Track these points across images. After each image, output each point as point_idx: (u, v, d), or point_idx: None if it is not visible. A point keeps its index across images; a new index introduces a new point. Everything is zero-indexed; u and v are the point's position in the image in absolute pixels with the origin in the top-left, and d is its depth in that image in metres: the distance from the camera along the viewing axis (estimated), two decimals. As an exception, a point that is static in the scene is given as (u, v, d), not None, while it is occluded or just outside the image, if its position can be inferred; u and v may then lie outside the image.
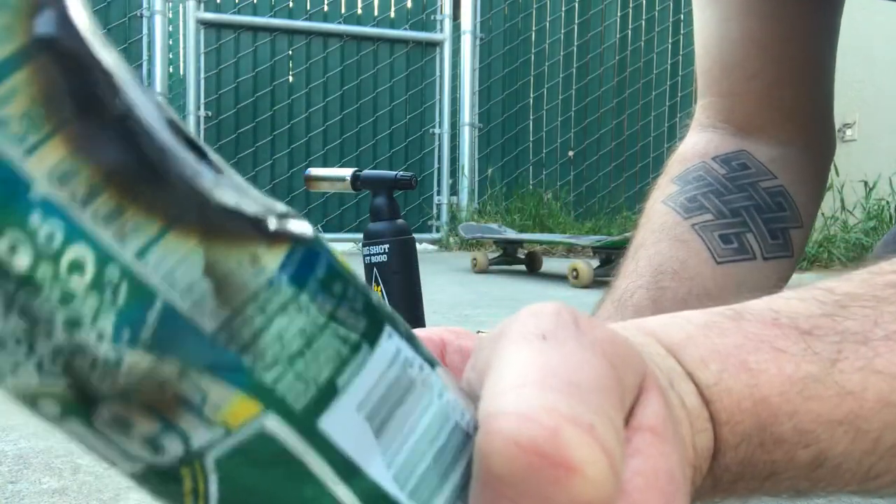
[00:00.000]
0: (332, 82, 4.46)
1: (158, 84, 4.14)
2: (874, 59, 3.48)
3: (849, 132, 3.70)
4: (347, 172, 0.78)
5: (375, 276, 0.74)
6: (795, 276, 0.58)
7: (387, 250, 0.74)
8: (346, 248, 4.35)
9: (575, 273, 2.51)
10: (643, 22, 4.97)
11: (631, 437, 0.19)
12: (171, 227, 0.14)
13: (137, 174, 0.14)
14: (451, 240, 4.38)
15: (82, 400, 0.14)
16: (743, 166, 0.60)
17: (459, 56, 4.63)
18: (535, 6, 4.78)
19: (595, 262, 2.74)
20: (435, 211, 4.64)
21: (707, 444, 0.25)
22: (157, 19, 4.12)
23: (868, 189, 3.30)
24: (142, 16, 4.12)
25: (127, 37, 4.12)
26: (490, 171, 4.68)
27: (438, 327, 0.28)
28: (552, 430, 0.16)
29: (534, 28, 4.80)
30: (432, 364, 0.18)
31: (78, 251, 0.13)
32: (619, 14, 4.91)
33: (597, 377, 0.18)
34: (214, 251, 0.14)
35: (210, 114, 4.25)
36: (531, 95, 4.82)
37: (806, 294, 0.29)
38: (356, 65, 4.50)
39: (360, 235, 0.80)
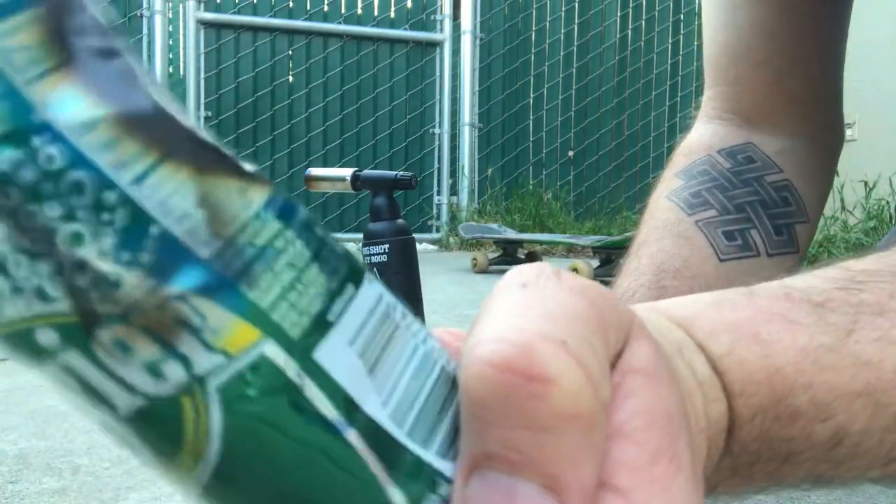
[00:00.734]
0: (332, 82, 4.46)
1: (158, 84, 4.14)
2: (874, 59, 3.47)
3: (849, 132, 3.70)
4: (347, 172, 0.78)
5: (375, 276, 0.74)
6: (796, 276, 0.57)
7: (387, 250, 0.74)
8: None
9: (575, 273, 2.51)
10: (643, 22, 4.97)
11: (623, 381, 0.19)
12: (166, 159, 0.15)
13: (133, 108, 0.15)
14: (451, 240, 4.38)
15: (83, 323, 0.14)
16: (749, 160, 0.59)
17: (459, 56, 4.63)
18: (535, 6, 4.78)
19: (595, 262, 2.74)
20: (435, 211, 4.64)
21: (721, 414, 0.24)
22: (157, 19, 4.12)
23: (868, 189, 3.30)
24: (142, 16, 4.12)
25: (127, 37, 4.11)
26: (490, 171, 4.68)
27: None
28: (524, 347, 0.16)
29: (534, 28, 4.80)
30: (408, 314, 0.18)
31: (76, 175, 0.14)
32: (619, 14, 4.91)
33: (574, 310, 0.18)
34: (206, 183, 0.15)
35: (210, 114, 4.25)
36: (531, 95, 4.82)
37: (820, 272, 0.28)
38: (356, 65, 4.50)
39: (360, 235, 0.80)
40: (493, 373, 0.16)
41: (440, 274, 2.79)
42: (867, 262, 0.29)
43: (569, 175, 4.86)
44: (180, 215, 0.15)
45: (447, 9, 4.61)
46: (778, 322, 0.26)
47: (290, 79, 4.42)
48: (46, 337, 0.15)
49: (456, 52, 4.63)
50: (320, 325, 0.16)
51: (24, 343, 0.15)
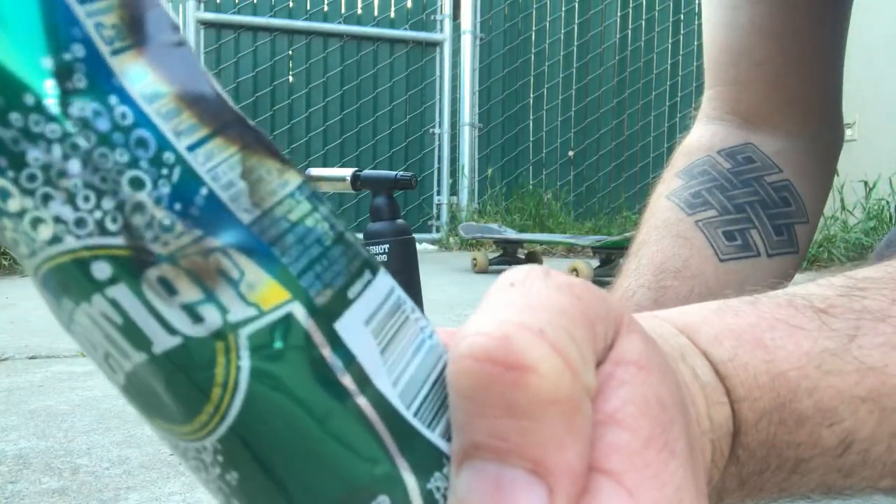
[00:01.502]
0: (332, 82, 4.46)
1: (158, 84, 4.14)
2: (874, 58, 3.47)
3: (849, 132, 3.70)
4: (347, 172, 0.78)
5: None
6: (797, 275, 0.57)
7: (387, 250, 0.74)
8: (346, 248, 4.34)
9: (575, 273, 2.51)
10: (643, 22, 4.97)
11: (615, 371, 0.19)
12: (217, 134, 0.18)
13: (193, 88, 0.18)
14: (451, 240, 4.38)
15: (134, 259, 0.16)
16: (748, 160, 0.59)
17: (459, 56, 4.63)
18: (535, 6, 4.78)
19: (595, 262, 2.73)
20: (435, 211, 4.64)
21: (725, 418, 0.24)
22: (157, 19, 4.12)
23: (868, 189, 3.31)
24: (142, 16, 4.12)
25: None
26: (490, 171, 4.69)
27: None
28: (502, 337, 0.17)
29: (534, 28, 4.80)
30: (418, 311, 0.20)
31: (142, 133, 0.16)
32: (619, 14, 4.91)
33: (556, 303, 0.18)
34: (250, 160, 0.18)
35: (210, 114, 4.25)
36: (531, 95, 4.82)
37: (823, 280, 0.28)
38: (356, 65, 4.50)
39: (360, 235, 0.80)
40: (474, 364, 0.17)
41: (440, 274, 2.79)
42: (869, 270, 0.28)
43: (569, 175, 4.86)
44: (226, 183, 0.17)
45: (447, 9, 4.61)
46: (781, 328, 0.26)
47: (290, 79, 4.42)
48: (100, 269, 0.16)
49: (456, 52, 4.63)
50: (341, 300, 0.18)
51: (79, 273, 0.16)
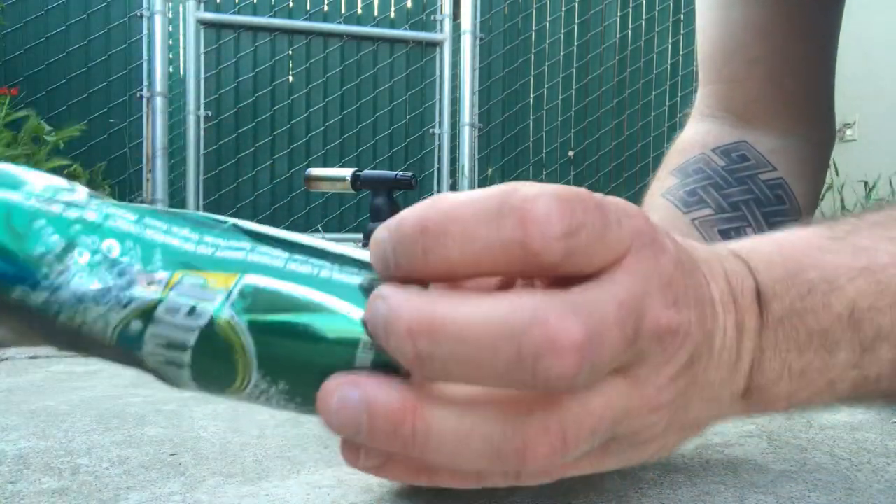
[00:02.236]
0: (332, 82, 4.46)
1: (158, 84, 4.14)
2: (874, 58, 3.47)
3: (849, 132, 3.70)
4: (347, 172, 0.78)
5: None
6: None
7: (387, 250, 0.74)
8: (346, 248, 4.34)
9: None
10: (643, 22, 4.97)
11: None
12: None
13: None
14: (451, 240, 4.37)
15: (149, 310, 0.27)
16: (743, 158, 0.59)
17: (459, 56, 4.62)
18: (535, 6, 4.78)
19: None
20: (435, 211, 4.63)
21: (750, 288, 0.30)
22: (157, 19, 4.12)
23: (868, 189, 3.30)
24: (142, 16, 4.12)
25: (127, 37, 4.12)
26: (490, 171, 4.68)
27: None
28: (403, 215, 0.25)
29: (534, 28, 4.80)
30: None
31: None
32: (619, 14, 4.91)
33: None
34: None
35: (210, 114, 4.25)
36: (531, 95, 4.82)
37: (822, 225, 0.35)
38: (356, 65, 4.50)
39: (360, 235, 0.80)
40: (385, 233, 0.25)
41: (440, 274, 2.79)
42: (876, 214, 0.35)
43: (569, 175, 4.86)
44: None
45: (447, 9, 4.61)
46: (790, 232, 0.32)
47: (290, 79, 4.42)
48: (135, 325, 0.26)
49: (456, 52, 4.63)
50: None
51: (128, 334, 0.26)
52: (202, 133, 4.24)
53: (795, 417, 0.79)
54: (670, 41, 5.03)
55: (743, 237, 0.35)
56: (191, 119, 4.20)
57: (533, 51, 4.82)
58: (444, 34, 4.61)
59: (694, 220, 0.56)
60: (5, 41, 3.92)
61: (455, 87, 4.67)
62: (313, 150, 4.43)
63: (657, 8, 4.99)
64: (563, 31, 4.82)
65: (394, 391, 0.23)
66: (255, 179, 4.33)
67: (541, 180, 4.65)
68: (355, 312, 0.25)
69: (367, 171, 0.78)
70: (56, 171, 3.09)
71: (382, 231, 0.24)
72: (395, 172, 0.76)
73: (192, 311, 0.25)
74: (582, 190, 0.24)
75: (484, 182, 4.66)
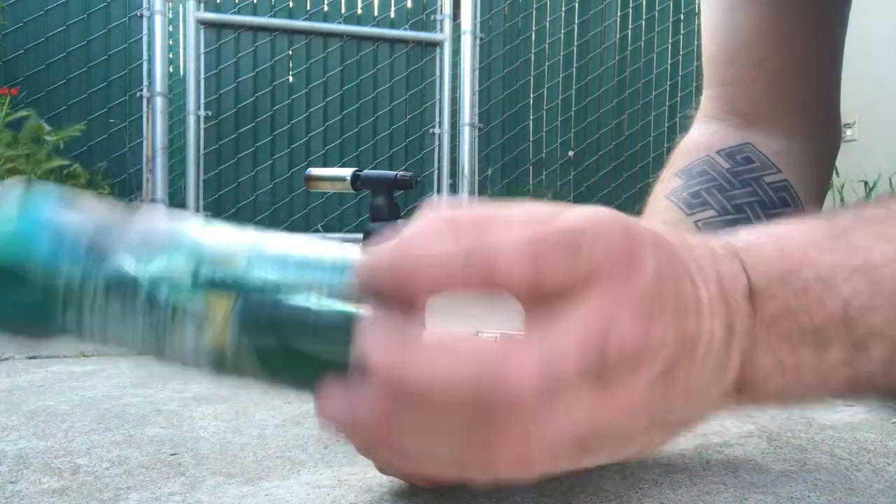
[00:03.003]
0: (332, 82, 4.46)
1: (158, 84, 4.14)
2: (874, 58, 3.47)
3: (849, 132, 3.70)
4: (347, 172, 0.78)
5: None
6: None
7: (387, 250, 0.74)
8: (346, 248, 4.33)
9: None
10: (643, 22, 4.97)
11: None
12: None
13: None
14: (451, 240, 4.37)
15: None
16: (747, 160, 0.59)
17: (459, 56, 4.62)
18: (535, 6, 4.77)
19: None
20: (435, 211, 4.63)
21: (738, 283, 0.31)
22: (157, 19, 4.12)
23: (868, 189, 3.30)
24: (142, 16, 4.12)
25: (127, 37, 4.12)
26: (490, 171, 4.68)
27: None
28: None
29: (534, 28, 4.80)
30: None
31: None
32: (619, 14, 4.91)
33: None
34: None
35: (210, 114, 4.25)
36: (531, 95, 4.82)
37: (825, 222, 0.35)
38: (356, 65, 4.49)
39: (360, 235, 0.80)
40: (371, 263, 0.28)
41: (440, 274, 2.79)
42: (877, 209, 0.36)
43: (569, 175, 4.86)
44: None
45: (447, 9, 4.61)
46: (792, 226, 0.33)
47: (290, 79, 4.42)
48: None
49: (456, 52, 4.63)
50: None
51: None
52: (202, 133, 4.24)
53: (795, 417, 0.79)
54: (670, 41, 5.03)
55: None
56: (191, 119, 4.19)
57: (533, 51, 4.82)
58: (444, 34, 4.61)
59: (697, 221, 0.56)
60: (5, 41, 3.92)
61: (455, 87, 4.67)
62: (313, 150, 4.42)
63: (657, 8, 4.99)
64: (563, 31, 4.82)
65: (370, 399, 0.27)
66: (255, 179, 4.33)
67: (540, 180, 4.64)
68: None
69: (367, 171, 0.78)
70: (56, 170, 3.09)
71: (364, 268, 0.29)
72: (395, 172, 0.75)
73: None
74: (555, 216, 0.27)
75: (484, 182, 4.66)
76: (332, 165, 4.31)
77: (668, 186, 0.59)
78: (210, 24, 4.24)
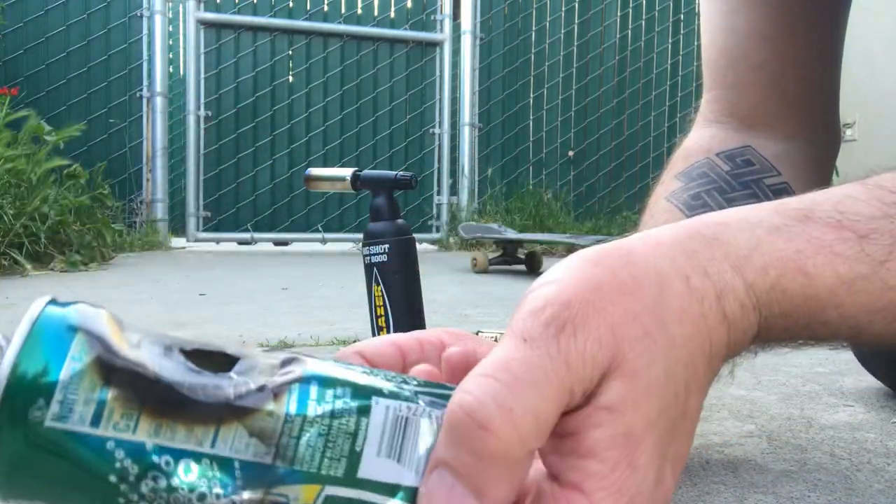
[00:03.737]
0: (332, 82, 4.46)
1: (158, 84, 4.14)
2: (874, 58, 3.47)
3: (849, 132, 3.70)
4: (347, 172, 0.78)
5: (375, 276, 0.74)
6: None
7: (387, 250, 0.74)
8: (346, 248, 4.35)
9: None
10: (643, 22, 4.97)
11: (592, 414, 0.26)
12: (220, 425, 0.24)
13: (173, 407, 0.24)
14: (451, 240, 4.38)
15: None
16: (747, 162, 0.59)
17: (459, 56, 4.62)
18: (535, 6, 4.77)
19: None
20: (435, 211, 4.63)
21: (748, 336, 0.31)
22: (157, 19, 4.12)
23: (868, 189, 3.29)
24: (142, 16, 4.12)
25: (127, 37, 4.12)
26: (490, 171, 4.68)
27: (438, 328, 0.29)
28: (483, 405, 0.24)
29: (534, 28, 4.80)
30: (416, 395, 0.27)
31: (180, 463, 0.24)
32: (619, 14, 4.91)
33: (542, 379, 0.25)
34: (248, 423, 0.24)
35: (210, 114, 4.25)
36: (531, 95, 4.82)
37: (871, 194, 0.33)
38: (356, 65, 4.49)
39: (360, 235, 0.80)
40: (460, 413, 0.25)
41: (440, 274, 2.79)
42: None
43: (569, 175, 4.86)
44: (244, 447, 0.24)
45: (447, 9, 4.61)
46: (824, 254, 0.31)
47: (290, 79, 4.42)
48: None
49: (456, 52, 4.63)
50: (353, 456, 0.25)
51: None
52: (202, 133, 4.24)
53: (795, 417, 0.79)
54: (670, 41, 5.03)
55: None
56: (191, 119, 4.19)
57: (533, 51, 4.82)
58: (444, 34, 4.61)
59: None
60: (5, 41, 3.92)
61: (455, 87, 4.67)
62: (313, 150, 4.42)
63: (657, 8, 4.99)
64: (563, 31, 4.82)
65: None
66: (255, 179, 4.33)
67: (540, 180, 4.65)
68: None
69: (367, 171, 0.78)
70: (56, 170, 3.10)
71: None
72: (395, 172, 0.75)
73: None
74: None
75: (484, 182, 4.66)
76: (332, 165, 4.31)
77: (668, 188, 0.59)
78: (210, 24, 4.25)
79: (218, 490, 0.24)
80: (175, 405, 0.24)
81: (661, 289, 0.28)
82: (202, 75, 4.22)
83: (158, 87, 4.13)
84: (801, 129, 0.60)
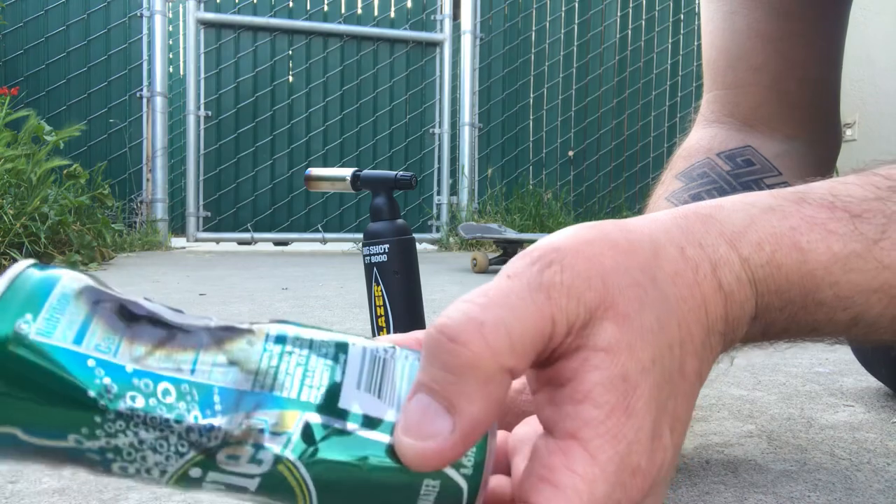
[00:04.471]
0: (332, 82, 4.46)
1: (158, 84, 4.14)
2: (874, 58, 3.48)
3: (849, 132, 3.70)
4: (347, 172, 0.78)
5: (375, 276, 0.74)
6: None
7: (387, 250, 0.74)
8: (346, 248, 4.34)
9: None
10: (643, 22, 4.97)
11: (588, 357, 0.26)
12: (199, 352, 0.26)
13: (155, 333, 0.26)
14: (451, 240, 4.38)
15: (206, 456, 0.25)
16: (748, 162, 0.59)
17: (459, 56, 4.62)
18: (535, 6, 4.77)
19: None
20: (435, 211, 4.64)
21: (746, 312, 0.31)
22: (157, 19, 4.12)
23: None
24: (142, 16, 4.12)
25: (127, 37, 4.11)
26: (490, 171, 4.68)
27: (420, 330, 0.31)
28: (455, 322, 0.25)
29: (534, 28, 4.80)
30: (393, 348, 0.28)
31: (159, 385, 0.25)
32: (619, 14, 4.91)
33: (517, 303, 0.26)
34: (227, 350, 0.26)
35: (210, 114, 4.25)
36: (531, 95, 4.82)
37: (865, 179, 0.34)
38: (356, 65, 4.49)
39: (360, 235, 0.80)
40: (434, 333, 0.25)
41: (440, 274, 2.79)
42: None
43: (569, 175, 4.86)
44: (226, 375, 0.25)
45: (447, 9, 4.61)
46: (818, 231, 0.32)
47: (290, 79, 4.42)
48: (194, 472, 0.25)
49: (456, 52, 4.63)
50: (333, 387, 0.26)
51: (186, 480, 0.25)
52: (202, 133, 4.24)
53: (795, 417, 0.79)
54: (670, 41, 5.03)
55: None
56: (191, 119, 4.20)
57: (533, 51, 4.82)
58: (444, 34, 4.61)
59: None
60: (5, 41, 3.92)
61: (455, 87, 4.67)
62: (313, 150, 4.42)
63: (657, 8, 4.99)
64: (563, 31, 4.82)
65: None
66: (255, 179, 4.33)
67: (540, 180, 4.65)
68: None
69: (367, 171, 0.78)
70: (56, 170, 3.10)
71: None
72: (395, 172, 0.75)
73: (252, 458, 0.25)
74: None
75: (483, 182, 4.66)
76: (332, 165, 4.31)
77: (668, 188, 0.59)
78: (210, 24, 4.25)
79: (196, 412, 0.24)
80: (156, 331, 0.25)
81: (656, 253, 0.29)
82: (202, 75, 4.22)
83: (158, 87, 4.13)
84: (802, 129, 0.60)
